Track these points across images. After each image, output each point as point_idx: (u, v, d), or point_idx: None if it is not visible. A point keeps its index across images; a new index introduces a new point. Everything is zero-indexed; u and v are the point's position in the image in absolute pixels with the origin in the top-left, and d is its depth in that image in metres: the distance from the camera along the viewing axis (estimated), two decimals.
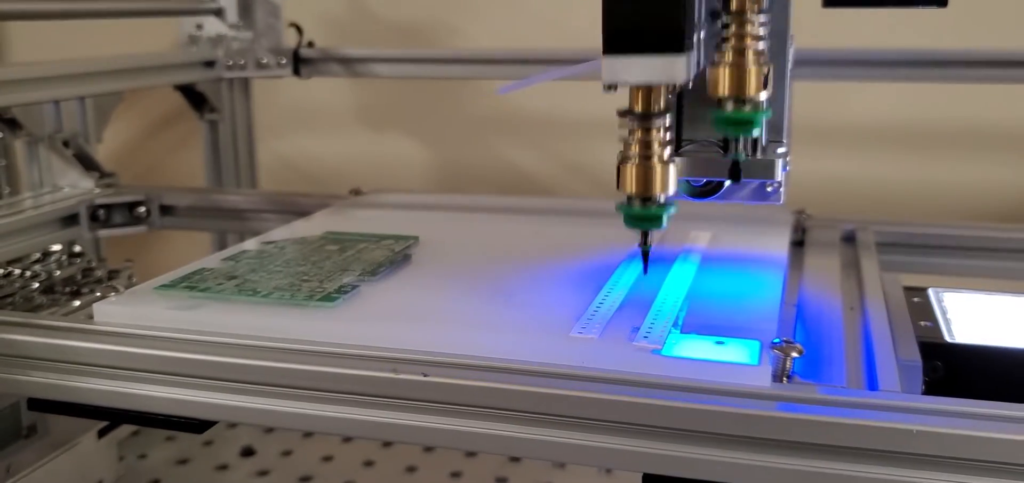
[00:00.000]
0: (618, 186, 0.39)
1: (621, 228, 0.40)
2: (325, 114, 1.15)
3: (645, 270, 0.44)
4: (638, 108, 0.37)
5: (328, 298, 0.43)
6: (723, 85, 0.37)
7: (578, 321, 0.40)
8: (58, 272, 0.70)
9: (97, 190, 0.74)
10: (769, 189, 0.43)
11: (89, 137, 0.79)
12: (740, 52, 0.37)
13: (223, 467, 0.77)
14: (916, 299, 0.45)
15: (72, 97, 0.76)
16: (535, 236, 0.57)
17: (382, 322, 0.42)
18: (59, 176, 0.75)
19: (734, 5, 0.37)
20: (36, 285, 0.68)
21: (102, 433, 0.68)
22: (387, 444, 0.80)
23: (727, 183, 0.43)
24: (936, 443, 0.31)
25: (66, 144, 0.76)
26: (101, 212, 0.71)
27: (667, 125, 0.38)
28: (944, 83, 0.83)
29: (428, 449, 0.78)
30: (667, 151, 0.38)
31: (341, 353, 0.38)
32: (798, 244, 0.56)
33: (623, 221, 0.39)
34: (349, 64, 0.96)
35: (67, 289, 0.68)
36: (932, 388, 0.39)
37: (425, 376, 0.36)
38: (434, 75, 0.97)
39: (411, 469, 0.76)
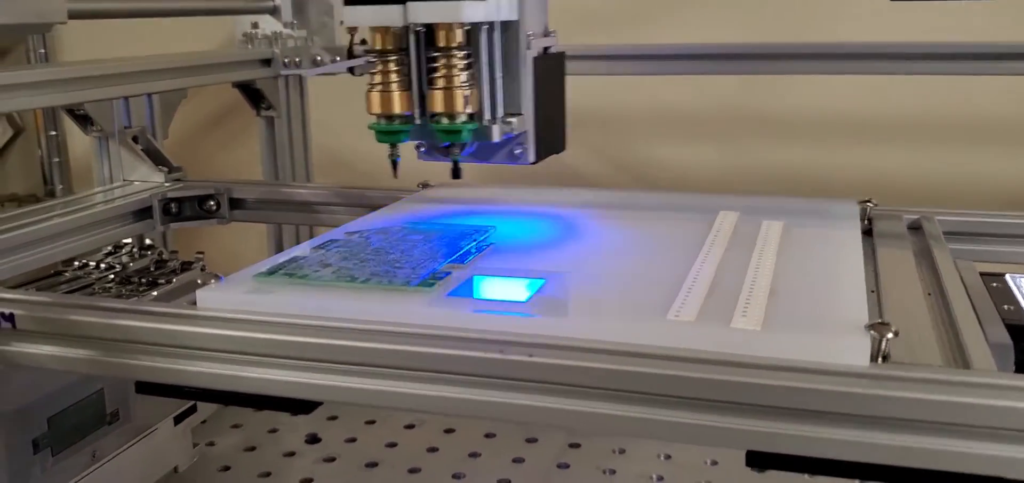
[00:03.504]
0: (367, 110, 0.52)
1: (685, 219, 0.40)
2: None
3: (395, 175, 0.55)
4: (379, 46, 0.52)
5: (426, 283, 0.45)
6: (437, 104, 0.51)
7: (673, 305, 0.41)
8: (132, 264, 0.72)
9: (166, 184, 0.76)
10: (517, 152, 0.55)
11: (156, 133, 0.81)
12: (449, 79, 0.50)
13: (290, 454, 0.78)
14: (995, 284, 0.46)
15: (141, 94, 0.78)
16: (604, 225, 0.58)
17: (480, 304, 0.43)
18: (129, 171, 0.77)
19: (441, 43, 0.50)
20: (111, 277, 0.70)
21: (178, 419, 0.70)
22: (449, 430, 0.81)
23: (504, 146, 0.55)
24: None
25: (135, 140, 0.78)
26: (172, 205, 0.73)
27: (400, 61, 0.51)
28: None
29: (488, 435, 0.80)
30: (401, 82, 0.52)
31: (447, 335, 0.40)
32: (866, 233, 0.57)
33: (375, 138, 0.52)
34: None
35: (143, 280, 0.70)
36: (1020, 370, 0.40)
37: (531, 357, 0.38)
38: None
39: (473, 454, 0.77)
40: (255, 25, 1.00)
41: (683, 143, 1.07)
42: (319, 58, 0.97)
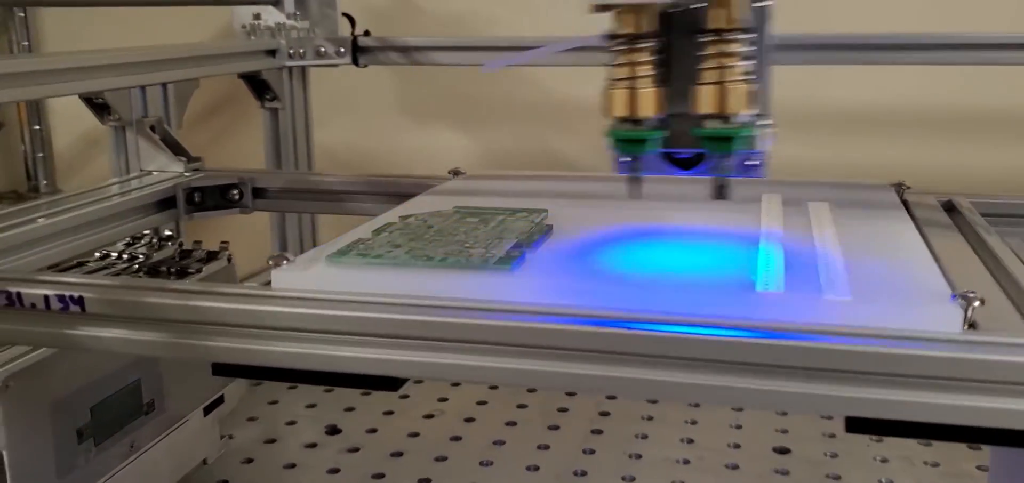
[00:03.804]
0: (606, 112, 0.42)
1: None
2: (366, 104, 1.16)
3: (632, 195, 0.46)
4: (627, 30, 0.41)
5: (504, 261, 0.45)
6: (705, 103, 0.40)
7: (757, 280, 0.42)
8: (155, 255, 0.71)
9: (186, 174, 0.75)
10: (750, 163, 0.45)
11: (170, 122, 0.80)
12: (721, 70, 0.40)
13: (312, 445, 0.78)
14: None
15: (158, 83, 0.77)
16: (648, 208, 0.59)
17: (561, 280, 0.43)
18: (147, 161, 0.76)
19: (714, 24, 0.40)
20: (136, 268, 0.69)
21: (207, 410, 0.69)
22: (469, 419, 0.81)
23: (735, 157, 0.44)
24: None
25: (152, 129, 0.77)
26: (196, 195, 0.72)
27: (654, 49, 0.41)
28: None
29: (510, 423, 0.80)
30: (653, 75, 0.41)
31: (539, 310, 0.40)
32: None
33: (611, 145, 0.43)
34: (409, 53, 0.97)
35: (171, 270, 0.68)
36: None
37: (644, 331, 0.38)
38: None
39: (498, 442, 0.77)
40: (257, 16, 0.99)
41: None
42: (323, 49, 0.97)
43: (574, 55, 0.88)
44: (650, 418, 0.80)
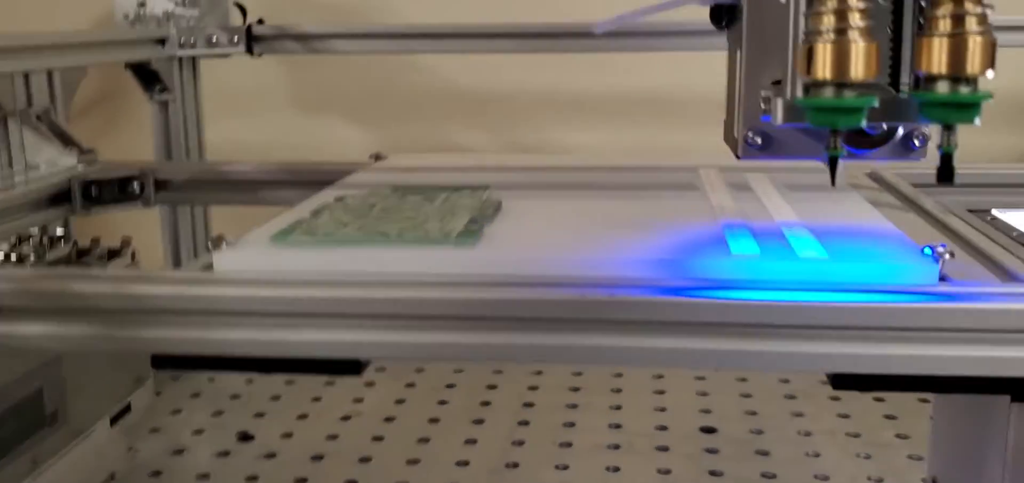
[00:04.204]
0: (806, 71, 0.33)
1: (668, 178, 0.39)
2: (254, 96, 1.11)
3: (833, 181, 0.38)
4: None
5: (466, 235, 0.43)
6: (938, 61, 0.32)
7: (724, 243, 0.41)
8: (49, 254, 0.65)
9: (80, 167, 0.70)
10: (917, 140, 0.38)
11: (58, 114, 0.74)
12: (959, 20, 0.32)
13: (224, 453, 0.73)
14: (988, 218, 0.49)
15: (42, 70, 0.71)
16: (583, 183, 0.58)
17: (530, 251, 0.42)
18: (33, 153, 0.70)
19: None
20: (28, 269, 0.64)
21: (113, 420, 0.64)
22: (389, 418, 0.78)
23: (901, 132, 0.38)
24: None
25: (38, 119, 0.71)
26: (92, 189, 0.67)
27: None
28: None
29: (433, 420, 0.78)
30: (868, 27, 0.32)
31: (516, 282, 0.38)
32: None
33: (808, 117, 0.34)
34: (306, 41, 0.94)
35: None
36: None
37: (608, 295, 0.37)
38: (397, 51, 0.96)
39: (423, 439, 0.75)
40: (142, 4, 0.93)
41: (578, 126, 1.08)
42: (216, 38, 0.92)
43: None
44: (574, 406, 0.79)
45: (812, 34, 0.33)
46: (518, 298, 0.37)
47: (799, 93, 0.35)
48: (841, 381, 0.37)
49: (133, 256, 0.65)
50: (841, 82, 0.32)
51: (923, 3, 0.34)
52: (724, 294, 0.37)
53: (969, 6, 0.32)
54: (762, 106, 0.37)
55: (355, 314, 0.38)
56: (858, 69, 0.32)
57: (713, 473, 0.67)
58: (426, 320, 0.38)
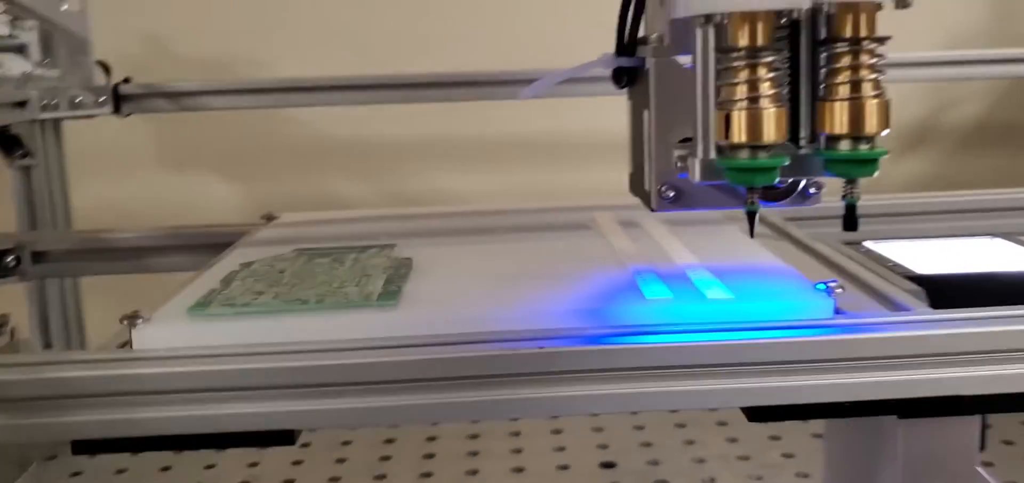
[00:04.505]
0: (723, 136, 0.36)
1: (563, 222, 0.43)
2: (122, 156, 1.08)
3: (751, 233, 0.41)
4: (743, 43, 0.35)
5: (388, 297, 0.43)
6: (839, 123, 0.35)
7: (637, 288, 0.44)
8: None
9: None
10: (813, 189, 0.41)
11: None
12: (856, 85, 0.35)
13: None
14: (862, 250, 0.53)
15: None
16: (481, 237, 0.59)
17: (452, 309, 0.43)
18: None
19: (849, 31, 0.35)
20: None
21: None
22: (288, 481, 0.77)
23: (802, 184, 0.41)
24: (985, 341, 0.39)
25: None
26: None
27: (776, 64, 0.36)
28: None
29: (333, 479, 0.77)
30: (777, 93, 0.36)
31: (447, 340, 0.39)
32: None
33: (727, 176, 0.37)
34: (177, 98, 0.91)
35: None
36: None
37: (542, 347, 0.38)
38: (271, 105, 0.95)
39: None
40: None
41: (460, 171, 1.10)
42: (80, 99, 0.89)
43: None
44: (475, 453, 0.79)
45: (727, 103, 0.36)
46: (451, 357, 0.38)
47: (713, 154, 0.37)
48: (756, 414, 0.40)
49: (13, 334, 0.62)
50: (755, 145, 0.35)
51: (822, 69, 0.37)
52: (647, 339, 0.39)
53: (864, 74, 0.35)
54: (678, 164, 0.39)
55: (286, 385, 0.38)
56: (770, 133, 0.35)
57: None
58: (358, 386, 0.39)
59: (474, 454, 0.79)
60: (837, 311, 0.42)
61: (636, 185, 0.46)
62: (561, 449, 0.79)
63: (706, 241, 0.53)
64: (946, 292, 0.45)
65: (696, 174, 0.38)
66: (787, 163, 0.37)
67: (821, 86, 0.37)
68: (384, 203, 1.10)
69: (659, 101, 0.41)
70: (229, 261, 0.53)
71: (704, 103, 0.37)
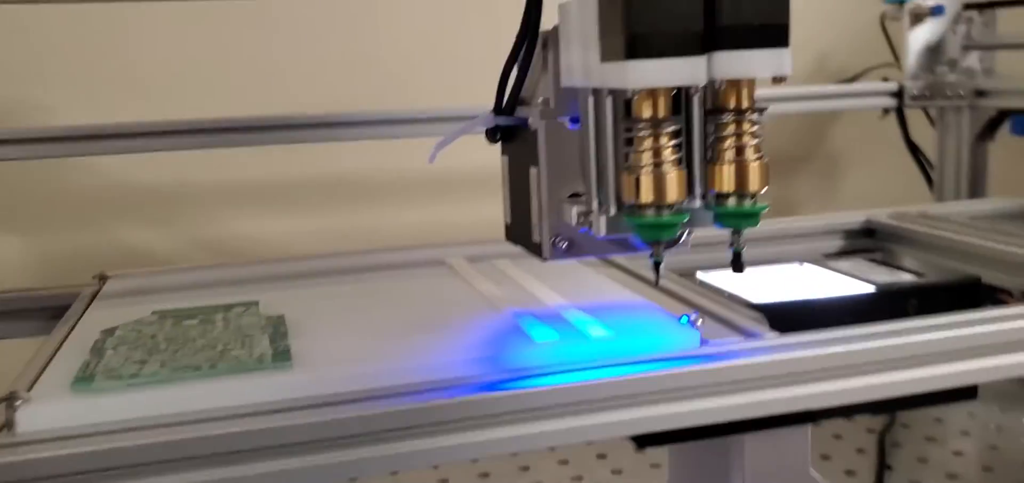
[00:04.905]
0: (634, 196, 0.40)
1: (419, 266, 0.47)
2: None
3: (656, 283, 0.46)
4: (648, 114, 0.40)
5: (281, 357, 0.43)
6: (727, 182, 0.40)
7: (521, 331, 0.46)
8: None
9: None
10: (686, 233, 0.45)
11: None
12: (740, 149, 0.40)
13: None
14: (696, 281, 0.59)
15: None
16: (339, 287, 0.60)
17: (350, 366, 0.43)
18: None
19: (733, 103, 0.40)
20: None
21: None
22: None
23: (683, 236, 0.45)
24: (833, 360, 0.45)
25: None
26: None
27: (677, 131, 0.41)
28: None
29: None
30: (678, 158, 0.40)
31: (356, 397, 0.40)
32: None
33: (637, 232, 0.41)
34: None
35: None
36: None
37: (455, 397, 0.40)
38: (58, 154, 0.88)
39: None
40: None
41: (272, 215, 1.07)
42: None
43: None
44: None
45: (635, 167, 0.40)
46: (367, 414, 0.39)
47: (613, 211, 0.41)
48: (644, 440, 0.44)
49: None
50: (659, 204, 0.40)
51: (710, 136, 0.41)
52: (541, 381, 0.42)
53: (747, 139, 0.41)
54: (578, 219, 0.43)
55: (195, 455, 0.38)
56: (673, 193, 0.40)
57: None
58: (272, 449, 0.39)
59: None
60: (702, 341, 0.47)
61: (518, 235, 0.49)
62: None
63: (561, 280, 0.57)
64: (783, 318, 0.50)
65: (601, 229, 0.41)
66: (686, 220, 0.41)
67: (709, 150, 0.42)
68: (193, 253, 1.06)
69: (550, 160, 0.44)
70: (84, 327, 0.51)
71: (602, 166, 0.41)
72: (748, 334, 0.48)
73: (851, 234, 0.77)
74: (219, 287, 0.60)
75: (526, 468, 0.84)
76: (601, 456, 0.85)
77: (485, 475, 0.84)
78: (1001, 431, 0.88)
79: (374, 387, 0.41)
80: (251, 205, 1.07)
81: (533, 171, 0.44)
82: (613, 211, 0.41)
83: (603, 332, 0.46)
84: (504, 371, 0.43)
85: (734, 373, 0.44)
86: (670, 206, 0.40)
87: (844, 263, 0.65)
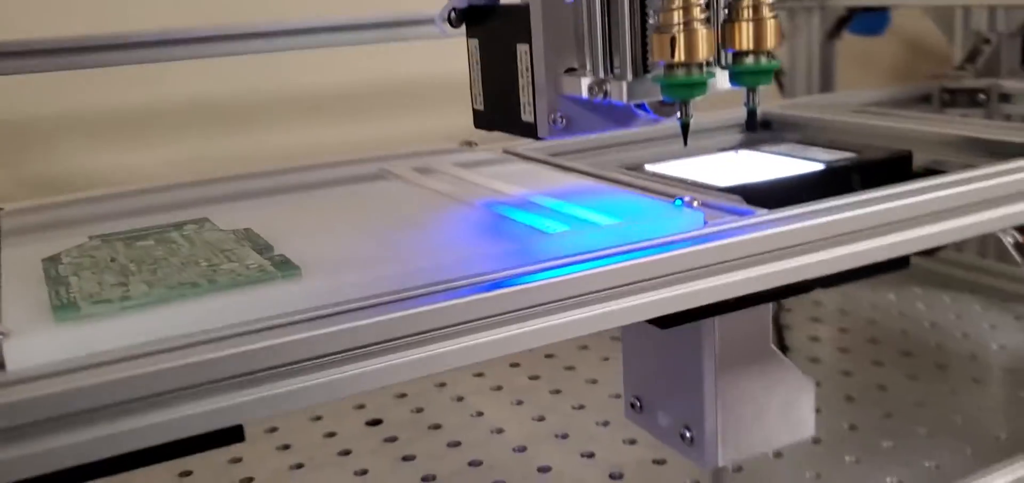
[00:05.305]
0: (655, 56, 0.40)
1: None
2: None
3: (685, 142, 0.46)
4: None
5: (287, 266, 0.39)
6: (745, 40, 0.42)
7: (536, 228, 0.44)
8: None
9: None
10: None
11: None
12: (757, 8, 0.42)
13: None
14: (647, 172, 0.59)
15: None
16: (307, 196, 0.56)
17: (361, 274, 0.40)
18: None
19: None
20: None
21: None
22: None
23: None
24: (842, 225, 0.46)
25: None
26: None
27: None
28: None
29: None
30: (708, 16, 0.41)
31: (407, 297, 0.37)
32: None
33: (663, 91, 0.42)
34: None
35: None
36: None
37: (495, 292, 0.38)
38: None
39: None
40: None
41: (123, 146, 0.98)
42: None
43: None
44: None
45: (666, 27, 0.39)
46: (413, 314, 0.36)
47: (631, 77, 0.40)
48: (664, 321, 0.43)
49: None
50: (690, 63, 0.39)
51: None
52: (571, 269, 0.40)
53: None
54: (592, 91, 0.41)
55: (231, 375, 0.34)
56: (704, 51, 0.39)
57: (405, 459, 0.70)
58: (303, 364, 0.35)
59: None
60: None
61: (497, 120, 0.47)
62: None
63: (515, 177, 0.55)
64: (758, 197, 0.51)
65: (623, 96, 0.40)
66: (714, 78, 0.41)
67: (727, 9, 0.42)
68: (28, 192, 0.95)
69: (547, 36, 0.42)
70: (10, 263, 0.44)
71: (620, 32, 0.40)
72: (740, 212, 0.49)
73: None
74: (146, 213, 0.54)
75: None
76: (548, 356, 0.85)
77: (480, 375, 0.84)
78: (876, 308, 0.95)
79: (403, 288, 0.38)
80: (97, 137, 0.97)
81: (522, 48, 0.42)
82: (630, 77, 0.40)
83: (612, 221, 0.45)
84: (527, 263, 0.41)
85: (745, 248, 0.44)
86: (700, 65, 0.40)
87: (775, 148, 0.67)
